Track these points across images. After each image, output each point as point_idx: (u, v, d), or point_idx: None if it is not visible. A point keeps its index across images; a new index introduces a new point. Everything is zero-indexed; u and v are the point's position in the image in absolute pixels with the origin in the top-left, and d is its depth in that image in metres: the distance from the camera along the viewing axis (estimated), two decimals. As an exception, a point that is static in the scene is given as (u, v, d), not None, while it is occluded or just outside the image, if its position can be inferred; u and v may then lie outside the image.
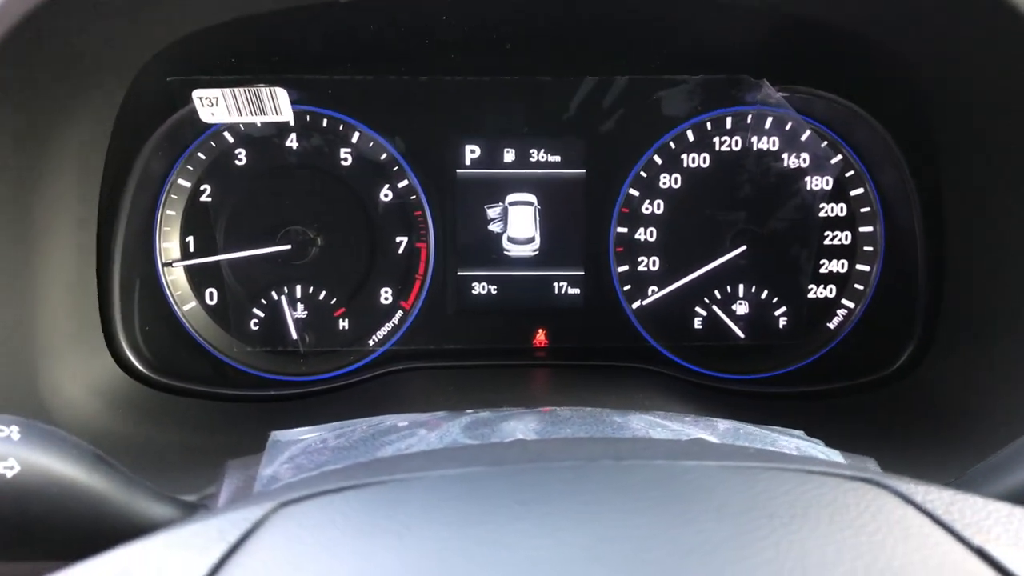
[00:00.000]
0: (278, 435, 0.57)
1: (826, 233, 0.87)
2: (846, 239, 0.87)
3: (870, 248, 0.87)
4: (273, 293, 0.86)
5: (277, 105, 0.75)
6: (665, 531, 0.32)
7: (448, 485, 0.37)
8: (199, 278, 0.86)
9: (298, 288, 0.87)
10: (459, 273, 0.88)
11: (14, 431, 0.49)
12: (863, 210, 0.86)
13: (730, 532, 0.32)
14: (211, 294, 0.86)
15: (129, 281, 0.84)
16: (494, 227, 0.87)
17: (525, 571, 0.31)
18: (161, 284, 0.85)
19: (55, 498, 0.49)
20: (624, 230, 0.87)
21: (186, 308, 0.86)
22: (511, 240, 0.87)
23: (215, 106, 0.73)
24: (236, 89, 0.75)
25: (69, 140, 0.72)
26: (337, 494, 0.37)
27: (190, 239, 0.85)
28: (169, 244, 0.85)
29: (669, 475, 0.35)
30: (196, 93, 0.75)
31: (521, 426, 0.55)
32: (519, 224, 0.87)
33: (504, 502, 0.35)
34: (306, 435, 0.57)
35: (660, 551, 0.31)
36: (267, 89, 0.74)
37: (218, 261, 0.86)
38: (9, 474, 0.48)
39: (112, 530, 0.50)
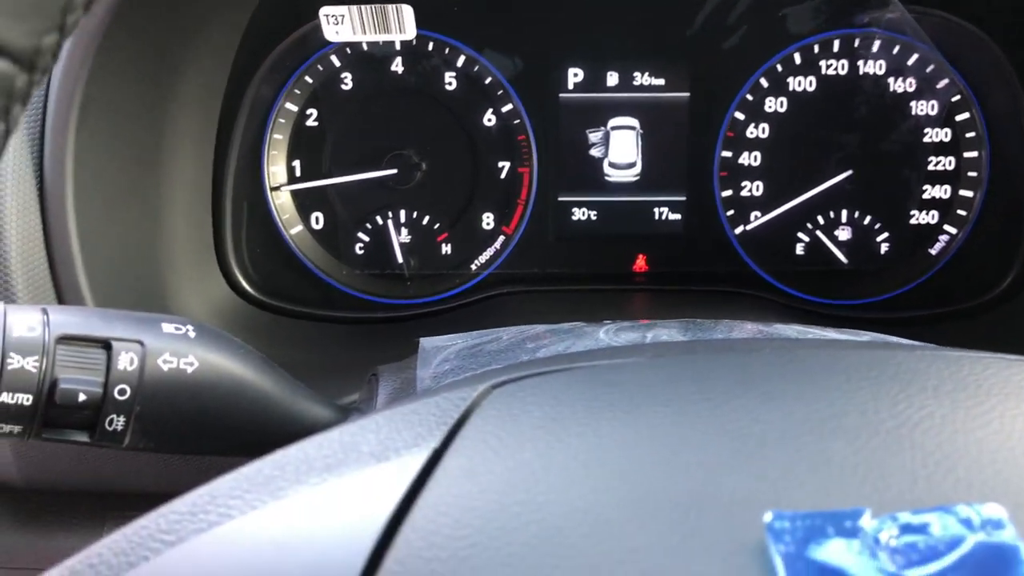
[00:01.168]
0: (426, 341, 0.58)
1: (930, 159, 0.87)
2: (950, 164, 0.87)
3: (974, 174, 0.86)
4: (378, 217, 0.88)
5: (402, 23, 0.75)
6: (890, 407, 0.33)
7: (660, 369, 0.38)
8: (305, 202, 0.88)
9: (402, 213, 0.88)
10: (560, 199, 0.88)
11: (190, 330, 0.51)
12: (968, 135, 0.86)
13: (949, 408, 0.33)
14: (317, 218, 0.88)
15: (239, 206, 0.86)
16: (595, 152, 0.88)
17: (762, 445, 0.32)
18: (269, 208, 0.87)
19: (228, 395, 0.51)
20: (728, 154, 0.87)
21: (293, 232, 0.88)
22: (612, 165, 0.88)
23: (340, 24, 0.74)
24: (362, 6, 0.76)
25: (194, 67, 0.73)
26: (550, 375, 0.38)
27: (296, 163, 0.87)
28: (276, 168, 0.86)
29: (880, 361, 0.36)
30: (323, 10, 0.76)
31: (666, 333, 0.56)
32: (621, 149, 0.87)
33: (720, 384, 0.36)
34: (452, 343, 0.58)
35: (892, 422, 0.32)
36: (393, 6, 0.75)
37: (324, 185, 0.87)
38: (189, 369, 0.49)
39: (278, 430, 0.52)
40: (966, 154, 0.87)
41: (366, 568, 0.31)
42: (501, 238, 0.89)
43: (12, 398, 0.45)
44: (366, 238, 0.89)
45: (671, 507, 0.31)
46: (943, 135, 0.86)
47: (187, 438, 0.50)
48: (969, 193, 0.87)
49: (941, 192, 0.88)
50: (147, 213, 0.76)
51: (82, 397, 0.46)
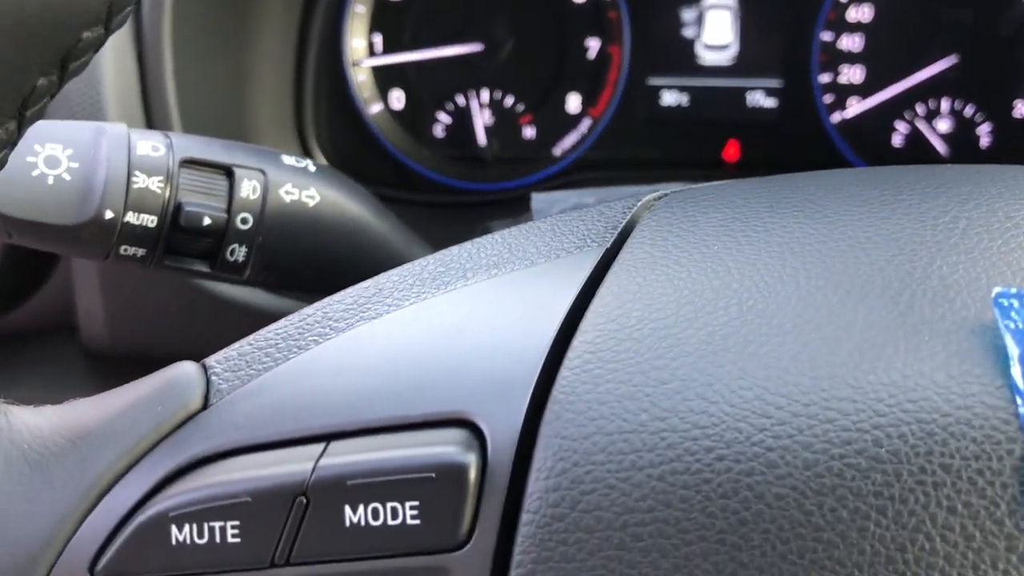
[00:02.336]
0: (538, 196, 0.57)
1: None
2: (1063, 54, 0.83)
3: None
4: (460, 97, 0.85)
5: None
6: None
7: (839, 177, 0.36)
8: (385, 79, 0.85)
9: (485, 93, 0.85)
10: (650, 82, 0.85)
11: (310, 164, 0.49)
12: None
13: None
14: (397, 97, 0.85)
15: (320, 81, 0.84)
16: (688, 32, 0.84)
17: (966, 237, 0.30)
18: (349, 84, 0.84)
19: (348, 234, 0.49)
20: (828, 37, 0.84)
21: (372, 111, 0.85)
22: (706, 47, 0.85)
23: None
24: None
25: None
26: (721, 188, 0.36)
27: (378, 38, 0.84)
28: (358, 43, 0.84)
29: None
30: None
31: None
32: (715, 30, 0.84)
33: (909, 190, 0.34)
34: (566, 198, 0.56)
35: None
36: None
37: (405, 62, 0.84)
38: (311, 203, 0.48)
39: None
40: (1083, 43, 0.83)
41: (552, 348, 0.29)
42: (587, 121, 0.86)
43: (137, 218, 0.44)
44: (447, 119, 0.86)
45: (883, 288, 0.29)
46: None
47: (304, 275, 0.49)
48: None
49: (1051, 84, 0.84)
50: (234, 80, 0.74)
51: (207, 222, 0.45)
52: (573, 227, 0.35)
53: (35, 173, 0.42)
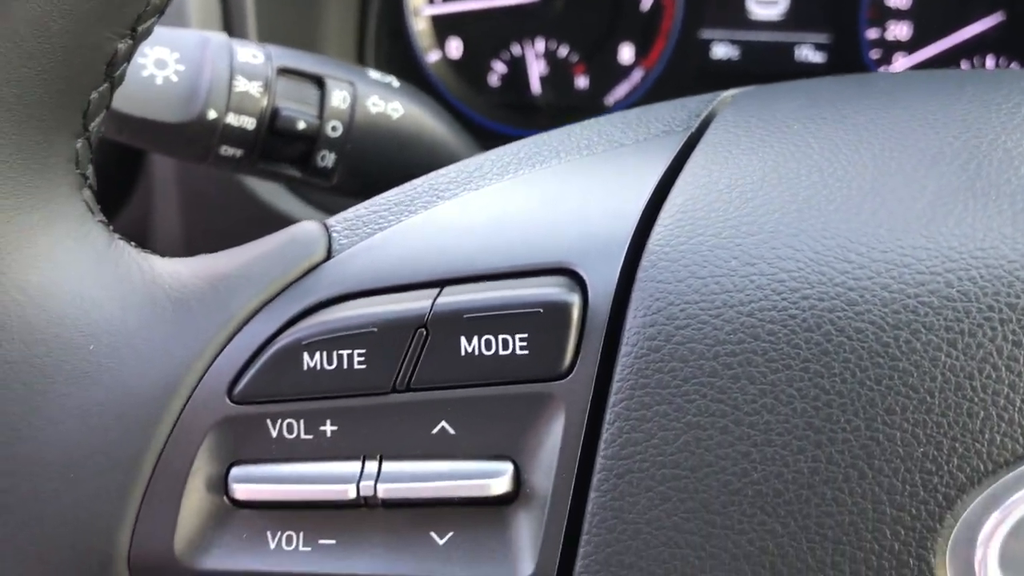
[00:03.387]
0: None
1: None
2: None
3: None
4: (515, 46, 0.88)
5: None
6: None
7: (912, 79, 0.38)
8: (444, 28, 0.88)
9: (540, 42, 0.88)
10: (701, 35, 0.88)
11: (394, 80, 0.52)
12: None
13: None
14: (455, 46, 0.88)
15: (380, 27, 0.87)
16: (740, -11, 0.87)
17: None
18: (409, 32, 0.87)
19: (429, 147, 0.52)
20: (877, -4, 0.86)
21: (431, 59, 0.88)
22: (757, 2, 0.87)
23: None
24: None
25: None
26: (789, 85, 0.39)
27: (438, -13, 0.87)
28: (418, -9, 0.87)
29: None
30: None
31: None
32: (767, -14, 0.86)
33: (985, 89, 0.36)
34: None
35: None
36: None
37: (463, 11, 0.87)
38: (395, 115, 0.50)
39: None
40: None
41: (647, 208, 0.31)
42: (639, 72, 0.88)
43: (237, 120, 0.47)
44: (502, 68, 0.89)
45: (952, 158, 0.31)
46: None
47: (387, 183, 0.52)
48: None
49: (1095, 43, 0.86)
50: (301, 26, 0.77)
51: (301, 126, 0.48)
52: (657, 115, 0.37)
53: (145, 74, 0.45)
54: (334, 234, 0.33)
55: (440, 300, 0.30)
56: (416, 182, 0.35)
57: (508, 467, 0.30)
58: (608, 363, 0.29)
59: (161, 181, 0.66)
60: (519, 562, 0.29)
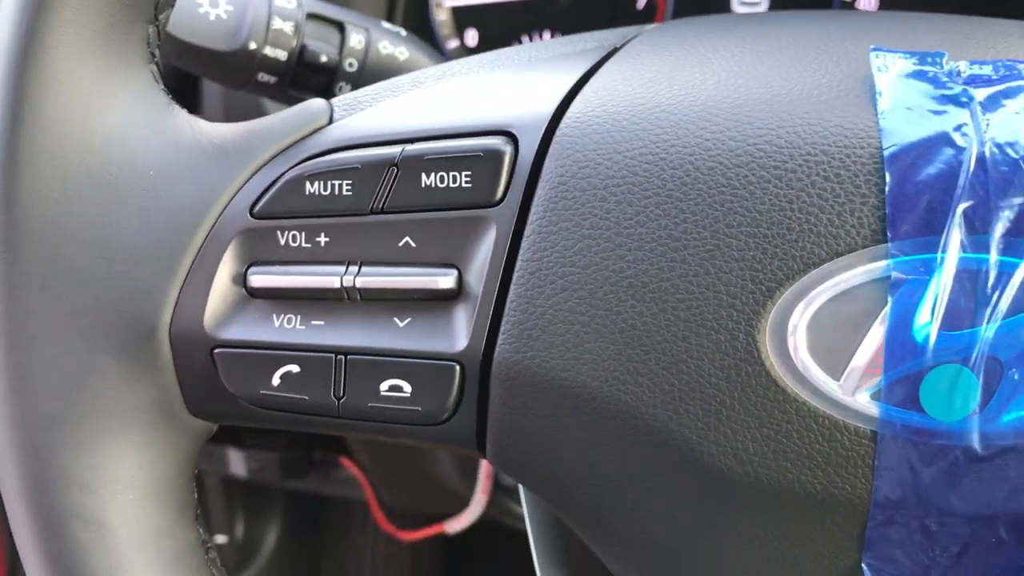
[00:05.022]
0: None
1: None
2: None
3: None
4: (525, 37, 0.99)
5: None
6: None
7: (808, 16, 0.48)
8: (463, 19, 1.00)
9: (547, 34, 0.99)
10: (690, 30, 0.98)
11: (402, 30, 0.63)
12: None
13: None
14: (472, 36, 1.00)
15: (407, 17, 0.98)
16: (726, -11, 0.97)
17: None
18: (431, 22, 0.99)
19: (429, 87, 0.62)
20: (847, -3, 0.96)
21: (450, 46, 1.00)
22: (741, 3, 0.97)
23: None
24: None
25: None
26: (705, 17, 0.49)
27: (459, -17, 0.99)
28: (441, -14, 0.99)
29: None
30: None
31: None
32: (750, -12, 0.97)
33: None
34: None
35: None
36: None
37: (480, 4, 0.99)
38: (401, 58, 0.61)
39: None
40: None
41: (571, 89, 0.42)
42: (634, 62, 0.99)
43: (273, 52, 0.58)
44: (514, 56, 1.00)
45: (806, 61, 0.41)
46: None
47: None
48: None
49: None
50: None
51: (323, 59, 0.59)
52: (597, 37, 0.48)
53: (201, 10, 0.57)
54: (336, 107, 0.44)
55: (408, 147, 0.40)
56: (403, 76, 0.46)
57: (454, 271, 0.40)
58: (529, 195, 0.40)
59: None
60: (457, 339, 0.39)
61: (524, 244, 0.39)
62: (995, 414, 0.36)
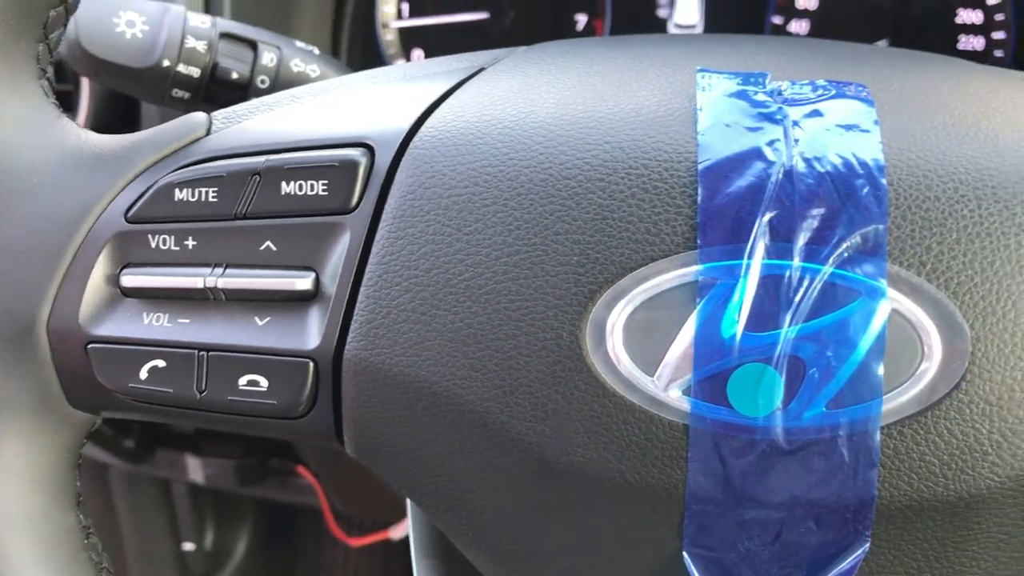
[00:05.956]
0: None
1: (959, 37, 0.97)
2: (979, 45, 0.97)
3: (1000, 53, 0.96)
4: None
5: None
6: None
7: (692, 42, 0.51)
8: (408, 39, 1.03)
9: (491, 55, 1.02)
10: (628, 52, 1.01)
11: (315, 49, 0.66)
12: (997, 17, 0.96)
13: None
14: (417, 55, 1.03)
15: (353, 37, 1.02)
16: (662, 12, 1.00)
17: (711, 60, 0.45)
18: (378, 42, 1.02)
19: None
20: (779, 21, 0.99)
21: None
22: (677, 26, 1.01)
23: None
24: None
25: None
26: (570, 41, 0.52)
27: (405, 5, 1.02)
28: (388, 8, 1.02)
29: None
30: None
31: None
32: (685, 11, 1.00)
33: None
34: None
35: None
36: None
37: (424, 25, 1.02)
38: (312, 75, 0.64)
39: None
40: (994, 35, 0.96)
41: (429, 107, 0.45)
42: (573, 82, 1.02)
43: (186, 69, 0.61)
44: (458, 75, 1.03)
45: (640, 81, 0.44)
46: (975, 17, 0.96)
47: None
48: (995, 71, 0.97)
49: (971, 71, 0.98)
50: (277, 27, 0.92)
51: (234, 76, 0.62)
52: (464, 60, 0.51)
53: (118, 29, 0.60)
54: (215, 120, 0.47)
55: (270, 157, 0.43)
56: (284, 92, 0.49)
57: (311, 274, 0.43)
58: (382, 203, 0.42)
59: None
60: (310, 337, 0.42)
61: (374, 249, 0.42)
62: (798, 410, 0.38)
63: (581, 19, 1.01)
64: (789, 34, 1.00)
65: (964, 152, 0.40)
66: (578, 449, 0.40)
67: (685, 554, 0.40)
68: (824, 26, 0.99)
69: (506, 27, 1.02)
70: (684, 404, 0.39)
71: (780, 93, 0.42)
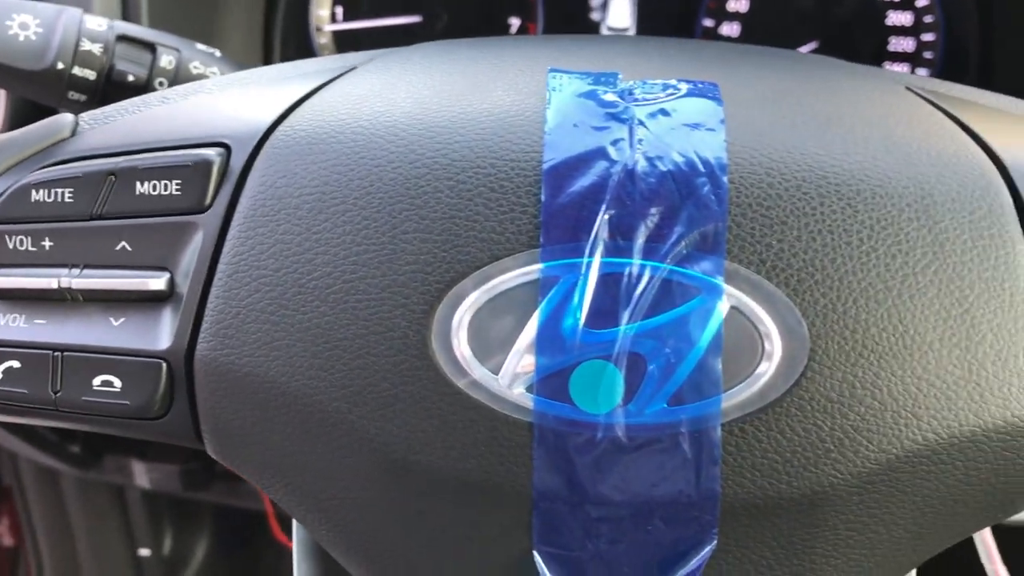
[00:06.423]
0: None
1: (890, 39, 0.97)
2: (910, 46, 0.97)
3: (930, 55, 0.97)
4: (404, 60, 1.03)
5: None
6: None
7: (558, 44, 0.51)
8: (343, 43, 1.03)
9: (425, 58, 1.02)
10: (562, 55, 1.02)
11: (217, 52, 0.66)
12: (927, 19, 0.96)
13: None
14: (352, 58, 1.03)
15: (286, 41, 1.02)
16: (595, 16, 1.01)
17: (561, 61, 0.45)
18: (312, 46, 1.02)
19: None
20: (710, 24, 0.99)
21: (331, 68, 1.03)
22: (610, 28, 1.01)
23: None
24: None
25: None
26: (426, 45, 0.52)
27: (339, 9, 1.02)
28: (322, 12, 1.02)
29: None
30: None
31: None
32: (617, 14, 1.00)
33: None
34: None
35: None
36: None
37: (358, 29, 1.02)
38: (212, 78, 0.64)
39: None
40: (924, 36, 0.97)
41: (287, 110, 0.45)
42: (507, 85, 1.02)
43: (82, 72, 0.61)
44: (393, 78, 1.03)
45: (502, 75, 0.44)
46: (905, 19, 0.97)
47: None
48: (924, 72, 0.97)
49: (900, 71, 0.98)
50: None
51: (131, 78, 0.62)
52: (339, 60, 0.51)
53: (11, 32, 0.60)
54: (80, 122, 0.47)
55: (126, 158, 0.43)
56: (155, 93, 0.49)
57: (165, 274, 0.43)
58: (235, 203, 0.42)
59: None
60: (162, 337, 0.42)
61: (225, 248, 0.42)
62: (639, 407, 0.38)
63: (514, 22, 1.01)
64: (721, 37, 1.00)
65: (809, 150, 0.40)
66: (426, 448, 0.40)
67: (535, 553, 0.40)
68: (754, 29, 0.99)
69: (439, 31, 1.02)
70: (528, 402, 0.39)
71: (631, 93, 0.42)
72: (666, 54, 0.47)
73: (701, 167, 0.39)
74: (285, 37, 1.00)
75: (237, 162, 0.43)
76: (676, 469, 0.39)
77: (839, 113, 0.43)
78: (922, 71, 0.97)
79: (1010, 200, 0.40)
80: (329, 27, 1.02)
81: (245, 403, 0.41)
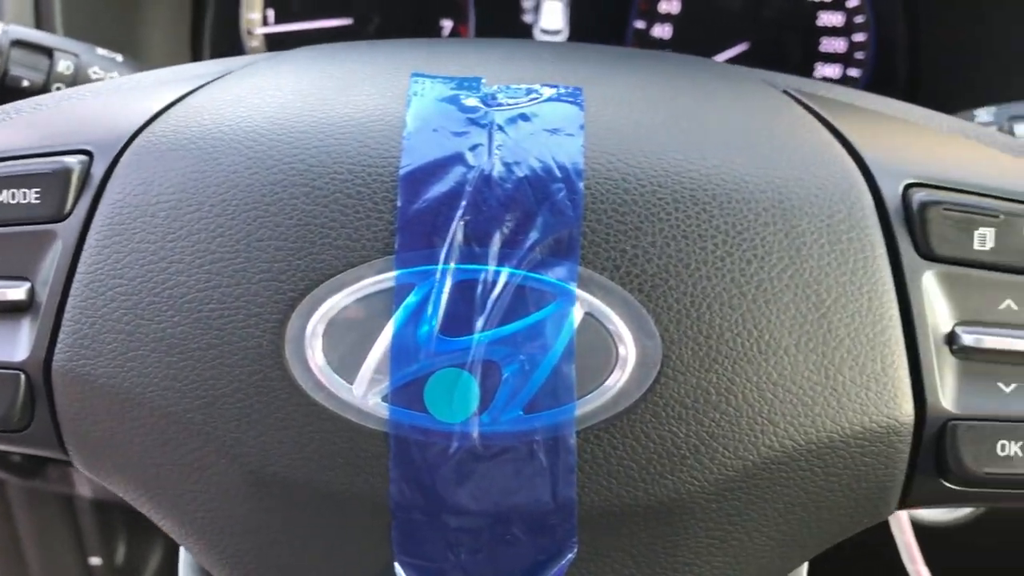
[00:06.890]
0: None
1: (821, 39, 0.97)
2: (841, 47, 0.97)
3: (862, 55, 0.97)
4: (336, 63, 1.02)
5: None
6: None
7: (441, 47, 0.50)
8: (274, 46, 1.02)
9: (357, 61, 1.02)
10: (495, 57, 1.01)
11: (119, 56, 0.65)
12: (858, 19, 0.96)
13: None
14: (285, 61, 1.02)
15: (217, 48, 1.01)
16: (527, 18, 1.00)
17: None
18: (243, 49, 1.01)
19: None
20: (642, 25, 0.99)
21: (264, 72, 1.02)
22: (542, 31, 1.00)
23: None
24: None
25: None
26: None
27: (271, 12, 1.01)
28: (253, 15, 1.01)
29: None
30: None
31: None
32: (550, 17, 1.00)
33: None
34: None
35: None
36: None
37: (290, 31, 1.01)
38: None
39: None
40: (855, 37, 0.97)
41: (153, 116, 0.44)
42: (440, 88, 1.02)
43: (-29, 79, 0.60)
44: (326, 82, 1.02)
45: (371, 80, 0.44)
46: (836, 20, 0.97)
47: None
48: (856, 72, 0.98)
49: (833, 71, 0.98)
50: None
51: (25, 83, 0.61)
52: (219, 64, 0.50)
53: (-101, 39, 0.59)
54: None
55: None
56: (28, 100, 0.48)
57: (25, 284, 0.42)
58: (94, 211, 0.42)
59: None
60: (19, 348, 0.42)
61: (83, 257, 0.41)
62: (494, 415, 0.38)
63: (447, 24, 1.01)
64: (652, 38, 1.00)
65: (667, 155, 0.40)
66: (283, 460, 0.39)
67: (396, 564, 0.40)
68: (686, 30, 0.99)
69: (370, 33, 1.01)
70: (383, 411, 0.38)
71: (494, 97, 0.42)
72: (539, 58, 0.46)
73: (558, 172, 0.39)
74: (215, 41, 0.99)
75: (98, 170, 0.42)
76: (533, 477, 0.38)
77: (705, 117, 0.42)
78: (854, 71, 0.97)
79: (871, 203, 0.40)
80: (260, 30, 1.01)
81: (104, 414, 0.41)
